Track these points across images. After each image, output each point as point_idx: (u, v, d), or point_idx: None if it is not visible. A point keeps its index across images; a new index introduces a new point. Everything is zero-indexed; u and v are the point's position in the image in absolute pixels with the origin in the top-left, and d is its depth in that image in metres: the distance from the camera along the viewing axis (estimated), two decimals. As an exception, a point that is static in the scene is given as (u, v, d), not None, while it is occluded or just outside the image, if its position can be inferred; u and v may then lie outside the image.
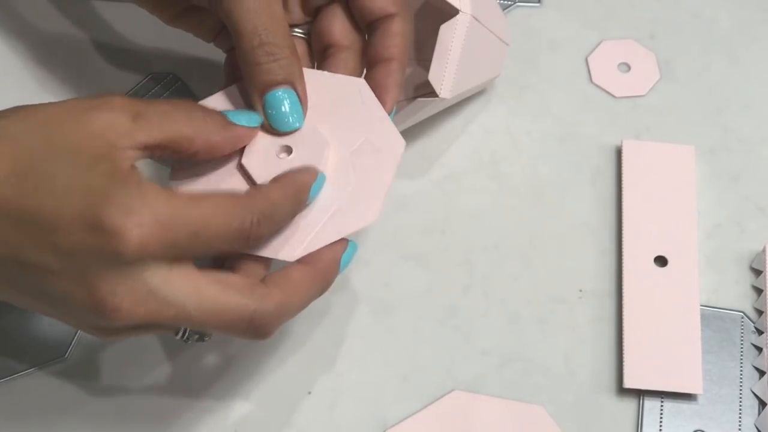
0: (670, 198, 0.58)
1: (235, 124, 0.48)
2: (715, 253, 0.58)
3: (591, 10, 0.67)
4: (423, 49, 0.63)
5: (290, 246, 0.47)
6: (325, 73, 0.51)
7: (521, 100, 0.63)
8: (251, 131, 0.49)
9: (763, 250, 0.57)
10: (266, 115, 0.49)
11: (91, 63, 0.64)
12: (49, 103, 0.45)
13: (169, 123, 0.45)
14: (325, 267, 0.47)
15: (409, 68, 0.63)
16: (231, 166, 0.49)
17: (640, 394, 0.54)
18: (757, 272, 0.57)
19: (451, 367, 0.54)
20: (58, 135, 0.44)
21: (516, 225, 0.59)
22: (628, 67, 0.64)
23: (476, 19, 0.56)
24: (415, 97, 0.59)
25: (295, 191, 0.47)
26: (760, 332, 0.55)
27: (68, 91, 0.63)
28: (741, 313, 0.56)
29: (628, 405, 0.54)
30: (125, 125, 0.44)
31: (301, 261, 0.47)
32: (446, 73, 0.55)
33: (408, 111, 0.57)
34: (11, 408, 0.53)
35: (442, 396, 0.53)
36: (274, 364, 0.55)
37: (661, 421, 0.53)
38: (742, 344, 0.55)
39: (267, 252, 0.47)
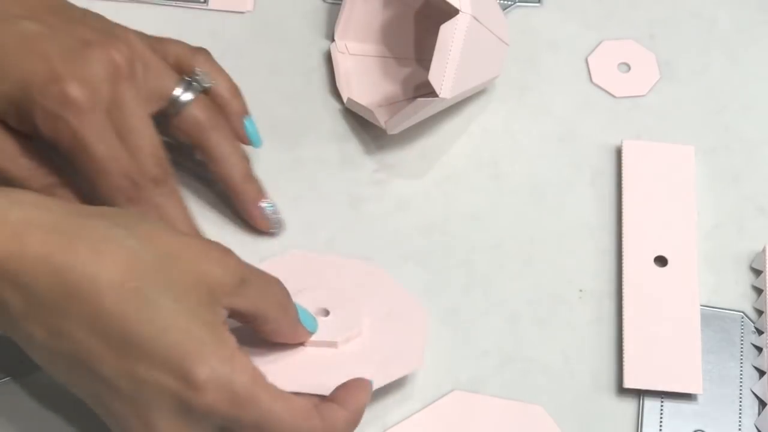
0: (670, 198, 0.58)
1: (301, 325, 0.50)
2: (714, 253, 0.58)
3: (591, 10, 0.67)
4: (423, 49, 0.63)
5: None
6: (348, 262, 0.56)
7: (521, 100, 0.63)
8: (308, 335, 0.51)
9: (763, 250, 0.57)
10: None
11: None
12: (168, 230, 0.46)
13: (263, 301, 0.48)
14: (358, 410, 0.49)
15: (409, 68, 0.63)
16: None
17: (640, 394, 0.54)
18: (757, 272, 0.57)
19: (451, 367, 0.54)
20: (173, 268, 0.45)
21: (516, 225, 0.59)
22: (628, 67, 0.64)
23: (476, 19, 0.56)
24: (415, 97, 0.59)
25: (358, 412, 0.48)
26: (760, 332, 0.55)
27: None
28: (741, 313, 0.56)
29: (628, 405, 0.54)
30: (231, 287, 0.46)
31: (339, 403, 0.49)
32: (446, 73, 0.55)
33: (408, 111, 0.57)
34: None
35: (442, 396, 0.53)
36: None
37: (661, 421, 0.53)
38: (742, 344, 0.55)
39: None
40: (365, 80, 0.62)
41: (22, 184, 0.51)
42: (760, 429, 0.53)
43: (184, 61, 0.55)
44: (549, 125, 0.62)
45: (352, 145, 0.61)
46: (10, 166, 0.51)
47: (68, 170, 0.52)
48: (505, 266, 0.57)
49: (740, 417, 0.53)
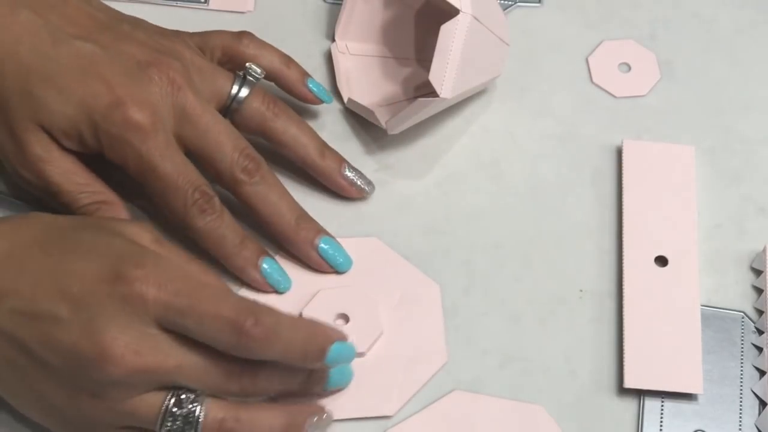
0: (670, 198, 0.58)
1: (239, 296, 0.49)
2: (715, 253, 0.58)
3: (591, 10, 0.67)
4: (423, 49, 0.63)
5: (382, 403, 0.52)
6: (344, 240, 0.56)
7: (521, 100, 0.63)
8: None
9: (764, 250, 0.57)
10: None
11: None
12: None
13: (183, 258, 0.49)
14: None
15: (409, 68, 0.63)
16: None
17: (640, 394, 0.54)
18: (758, 272, 0.57)
19: (451, 367, 0.54)
20: (86, 221, 0.50)
21: (516, 225, 0.59)
22: (629, 67, 0.64)
23: (476, 19, 0.56)
24: (415, 97, 0.59)
25: (312, 333, 0.48)
26: (760, 332, 0.55)
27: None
28: (741, 313, 0.56)
29: (629, 405, 0.54)
30: (147, 240, 0.48)
31: None
32: (447, 73, 0.55)
33: (408, 111, 0.57)
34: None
35: (442, 396, 0.53)
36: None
37: (661, 421, 0.53)
38: (742, 344, 0.55)
39: (360, 412, 0.51)
40: (365, 80, 0.62)
41: (71, 200, 0.53)
42: (760, 429, 0.53)
43: (231, 50, 0.57)
44: (549, 125, 0.62)
45: (352, 145, 0.61)
46: (62, 181, 0.52)
47: (128, 188, 0.54)
48: (505, 266, 0.58)
49: (741, 417, 0.53)
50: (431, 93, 0.56)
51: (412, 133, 0.61)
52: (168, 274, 0.46)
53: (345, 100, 0.61)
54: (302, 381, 0.50)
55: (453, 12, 0.55)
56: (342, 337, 0.49)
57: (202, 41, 0.57)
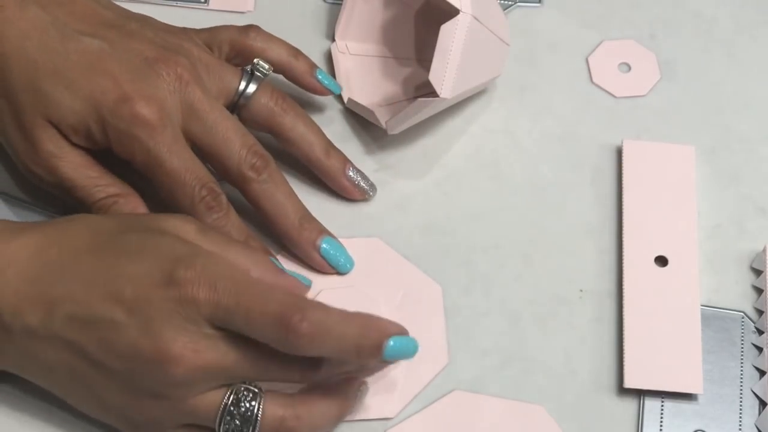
0: (670, 198, 0.58)
1: (289, 275, 0.51)
2: (715, 253, 0.58)
3: (591, 10, 0.67)
4: (423, 49, 0.63)
5: (384, 405, 0.52)
6: (345, 241, 0.56)
7: (521, 100, 0.63)
8: (303, 287, 0.51)
9: (764, 250, 0.57)
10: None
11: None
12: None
13: (230, 246, 0.49)
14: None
15: (409, 68, 0.63)
16: None
17: (640, 394, 0.54)
18: (758, 272, 0.57)
19: (451, 367, 0.54)
20: (132, 221, 0.50)
21: (516, 225, 0.59)
22: (629, 67, 0.64)
23: (476, 19, 0.56)
24: (415, 97, 0.59)
25: (365, 327, 0.47)
26: (760, 332, 0.55)
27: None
28: (741, 313, 0.56)
29: (629, 405, 0.54)
30: (191, 232, 0.49)
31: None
32: (447, 73, 0.55)
33: (408, 111, 0.57)
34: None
35: (442, 396, 0.53)
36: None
37: (661, 421, 0.53)
38: (742, 344, 0.55)
39: (361, 414, 0.51)
40: (366, 80, 0.62)
41: (85, 195, 0.53)
42: (760, 429, 0.53)
43: (239, 44, 0.57)
44: (549, 125, 0.62)
45: (352, 145, 0.61)
46: (75, 176, 0.52)
47: (139, 183, 0.54)
48: (505, 266, 0.58)
49: (741, 417, 0.53)
50: (431, 93, 0.56)
51: (412, 133, 0.61)
52: (217, 273, 0.46)
53: (345, 100, 0.61)
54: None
55: (453, 12, 0.55)
56: (401, 331, 0.47)
57: (209, 37, 0.57)
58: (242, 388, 0.47)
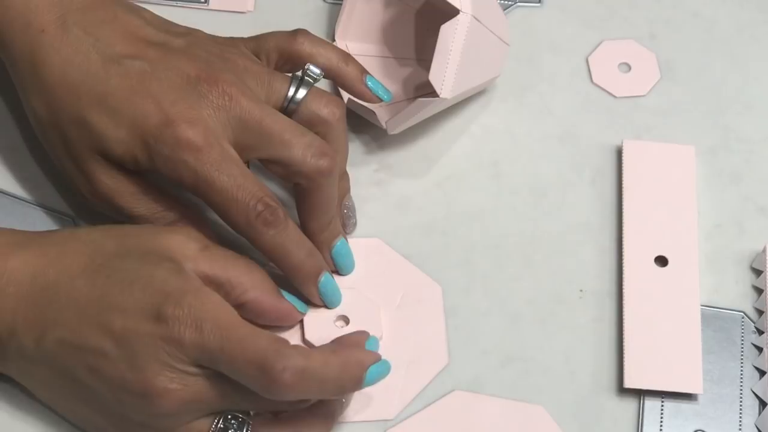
0: (670, 198, 0.58)
1: (286, 300, 0.51)
2: (715, 253, 0.58)
3: (591, 10, 0.67)
4: (423, 49, 0.63)
5: (384, 406, 0.52)
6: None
7: (521, 100, 0.63)
8: (297, 314, 0.52)
9: (764, 250, 0.57)
10: (324, 301, 0.54)
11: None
12: (130, 225, 0.52)
13: (232, 266, 0.49)
14: (348, 362, 0.48)
15: (409, 68, 0.63)
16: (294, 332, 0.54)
17: (640, 394, 0.54)
18: (758, 272, 0.57)
19: (451, 367, 0.54)
20: (132, 241, 0.49)
21: (516, 225, 0.59)
22: (629, 67, 0.64)
23: (476, 19, 0.56)
24: (415, 97, 0.59)
25: (344, 365, 0.47)
26: (760, 332, 0.55)
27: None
28: (741, 313, 0.56)
29: (629, 405, 0.54)
30: (193, 250, 0.48)
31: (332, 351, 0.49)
32: (447, 73, 0.55)
33: (408, 111, 0.57)
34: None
35: (442, 396, 0.53)
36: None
37: (661, 421, 0.53)
38: (742, 344, 0.55)
39: (361, 416, 0.52)
40: (365, 80, 0.62)
41: (147, 221, 0.53)
42: (760, 429, 0.53)
43: (287, 50, 0.56)
44: (549, 125, 0.62)
45: (352, 145, 0.60)
46: (133, 206, 0.52)
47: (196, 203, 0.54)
48: (505, 266, 0.58)
49: (741, 417, 0.53)
50: (431, 93, 0.56)
51: (412, 133, 0.61)
52: (204, 314, 0.46)
53: (345, 100, 0.61)
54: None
55: (453, 12, 0.55)
56: (376, 358, 0.48)
57: (256, 46, 0.55)
58: (229, 417, 0.48)
